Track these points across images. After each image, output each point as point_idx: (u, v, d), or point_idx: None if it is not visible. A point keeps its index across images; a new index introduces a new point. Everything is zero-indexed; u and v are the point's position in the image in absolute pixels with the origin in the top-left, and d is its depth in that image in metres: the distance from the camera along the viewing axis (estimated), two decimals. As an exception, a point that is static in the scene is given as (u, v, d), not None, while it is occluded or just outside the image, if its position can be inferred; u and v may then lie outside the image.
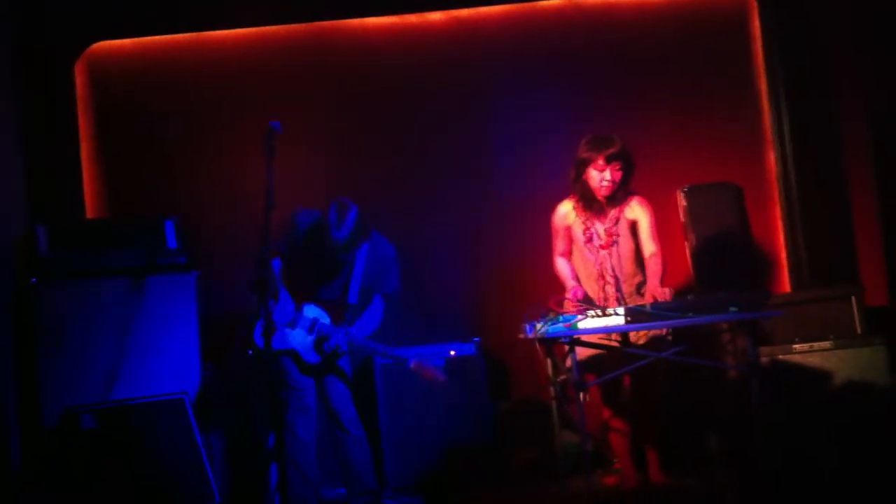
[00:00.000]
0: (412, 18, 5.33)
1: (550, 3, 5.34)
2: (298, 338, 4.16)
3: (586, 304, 3.99)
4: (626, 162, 4.17)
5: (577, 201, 4.26)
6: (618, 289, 4.18)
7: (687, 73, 5.30)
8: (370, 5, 5.27)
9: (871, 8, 5.13)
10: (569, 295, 4.11)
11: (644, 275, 4.20)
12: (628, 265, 4.22)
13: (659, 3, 5.33)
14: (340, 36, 5.31)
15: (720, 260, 4.73)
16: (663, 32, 5.29)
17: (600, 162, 4.14)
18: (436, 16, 5.33)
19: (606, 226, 4.22)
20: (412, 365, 4.08)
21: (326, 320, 4.18)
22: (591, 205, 4.22)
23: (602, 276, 4.21)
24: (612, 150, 4.13)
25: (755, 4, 5.30)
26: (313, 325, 4.16)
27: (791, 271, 5.20)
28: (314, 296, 4.22)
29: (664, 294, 3.90)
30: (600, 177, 4.16)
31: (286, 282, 4.23)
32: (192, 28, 5.23)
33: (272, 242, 3.95)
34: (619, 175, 4.16)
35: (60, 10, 5.04)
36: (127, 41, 5.22)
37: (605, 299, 4.16)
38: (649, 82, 5.28)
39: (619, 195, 4.20)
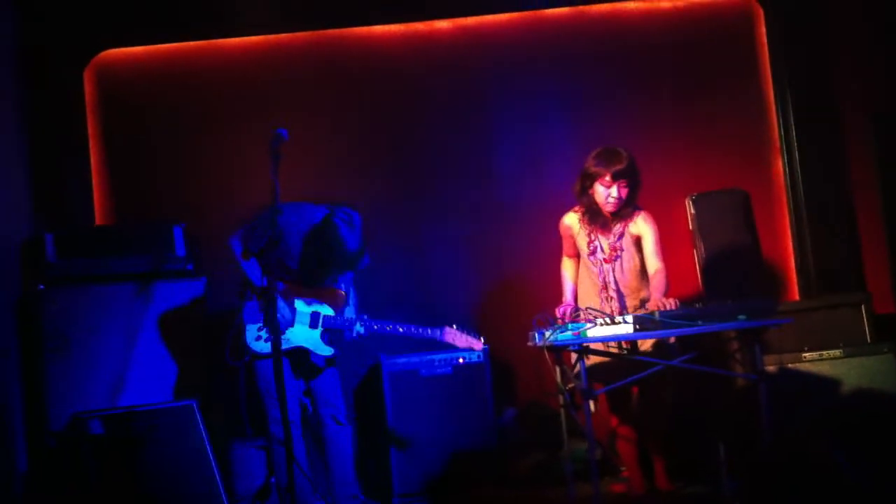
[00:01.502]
0: (419, 26, 5.34)
1: (556, 11, 5.35)
2: (303, 334, 4.08)
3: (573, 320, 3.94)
4: (633, 178, 4.11)
5: (583, 214, 4.23)
6: (621, 302, 4.16)
7: (693, 80, 5.30)
8: (377, 13, 5.29)
9: (878, 14, 5.14)
10: (559, 310, 4.10)
11: (649, 291, 4.17)
12: (632, 280, 4.19)
13: (664, 11, 5.34)
14: (347, 43, 5.32)
15: (728, 267, 4.71)
16: (669, 40, 5.30)
17: (607, 178, 4.08)
18: (443, 24, 5.34)
19: (610, 240, 4.19)
20: (448, 338, 4.10)
21: (328, 311, 4.11)
22: (596, 219, 4.18)
23: (605, 289, 4.19)
24: (619, 167, 4.06)
25: (761, 11, 5.31)
26: (316, 319, 4.10)
27: (799, 278, 5.19)
28: (297, 287, 4.11)
29: (670, 302, 3.85)
30: (606, 193, 4.11)
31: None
32: (199, 36, 5.26)
33: (239, 238, 3.99)
34: (625, 192, 4.11)
35: (69, 17, 5.06)
36: (135, 49, 5.24)
37: (610, 312, 4.13)
38: (656, 90, 5.29)
39: (624, 211, 4.16)
